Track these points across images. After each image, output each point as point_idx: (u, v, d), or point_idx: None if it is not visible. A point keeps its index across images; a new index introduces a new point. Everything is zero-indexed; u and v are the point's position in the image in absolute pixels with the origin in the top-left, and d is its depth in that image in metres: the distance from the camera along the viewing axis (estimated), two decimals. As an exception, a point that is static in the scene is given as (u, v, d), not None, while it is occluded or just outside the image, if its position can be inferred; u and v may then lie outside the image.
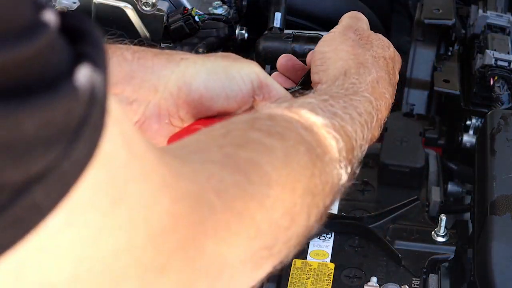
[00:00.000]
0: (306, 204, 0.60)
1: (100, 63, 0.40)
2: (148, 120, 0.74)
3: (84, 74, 0.38)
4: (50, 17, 0.38)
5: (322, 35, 1.11)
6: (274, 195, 0.56)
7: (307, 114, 0.63)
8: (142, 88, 0.73)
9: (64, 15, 0.39)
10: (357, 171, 0.69)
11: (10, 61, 0.36)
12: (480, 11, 1.21)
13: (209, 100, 0.73)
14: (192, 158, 0.53)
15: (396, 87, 0.81)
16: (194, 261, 0.49)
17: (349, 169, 0.65)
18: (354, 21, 0.84)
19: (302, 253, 0.97)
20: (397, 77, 0.82)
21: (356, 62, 0.76)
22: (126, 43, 0.75)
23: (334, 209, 1.02)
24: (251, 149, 0.57)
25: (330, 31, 0.82)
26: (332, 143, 0.63)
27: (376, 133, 0.73)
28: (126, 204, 0.42)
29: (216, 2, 1.23)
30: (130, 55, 0.74)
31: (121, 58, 0.74)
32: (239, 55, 0.76)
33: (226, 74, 0.73)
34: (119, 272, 0.43)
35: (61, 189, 0.38)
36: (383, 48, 0.81)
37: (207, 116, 0.74)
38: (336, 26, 0.83)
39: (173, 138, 0.73)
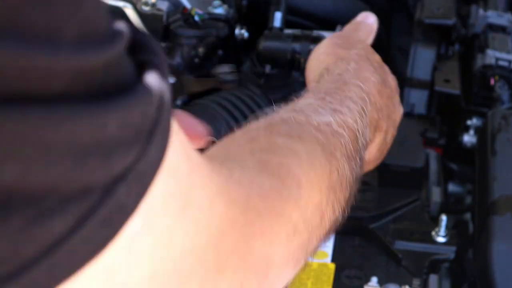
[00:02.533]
0: (330, 201, 0.64)
1: (163, 71, 0.42)
2: None
3: (153, 79, 0.41)
4: (122, 26, 0.41)
5: (323, 35, 1.11)
6: (305, 196, 0.60)
7: (313, 115, 0.66)
8: None
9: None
10: (366, 157, 0.75)
11: (96, 65, 0.38)
12: (481, 10, 1.21)
13: None
14: (232, 165, 0.56)
15: (387, 84, 0.84)
16: (246, 261, 0.53)
17: (358, 159, 0.69)
18: (351, 30, 0.90)
19: (302, 253, 0.97)
20: (386, 70, 0.86)
21: (335, 57, 0.81)
22: None
23: (334, 209, 1.02)
24: (280, 154, 0.61)
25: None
26: (339, 139, 0.67)
27: (375, 115, 0.78)
28: (191, 209, 0.46)
29: (216, 2, 1.23)
30: None
31: None
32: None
33: None
34: (186, 272, 0.47)
35: (140, 190, 0.41)
36: (366, 50, 0.84)
37: None
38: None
39: None
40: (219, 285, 0.51)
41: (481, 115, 1.11)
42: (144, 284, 0.44)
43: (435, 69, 1.17)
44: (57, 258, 0.38)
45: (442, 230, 0.97)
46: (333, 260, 0.96)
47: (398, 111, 0.89)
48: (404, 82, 1.18)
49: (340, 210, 0.68)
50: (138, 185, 0.40)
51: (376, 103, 0.79)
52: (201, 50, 1.16)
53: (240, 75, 1.15)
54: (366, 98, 0.75)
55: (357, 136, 0.70)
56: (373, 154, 0.87)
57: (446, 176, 1.10)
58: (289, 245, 0.59)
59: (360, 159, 0.70)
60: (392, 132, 0.89)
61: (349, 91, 0.74)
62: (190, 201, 0.45)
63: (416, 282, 0.93)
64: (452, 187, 1.12)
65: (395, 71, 1.24)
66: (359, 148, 0.70)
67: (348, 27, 0.93)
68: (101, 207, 0.39)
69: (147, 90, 0.40)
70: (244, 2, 1.28)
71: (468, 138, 1.12)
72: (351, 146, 0.68)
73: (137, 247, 0.42)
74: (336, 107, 0.70)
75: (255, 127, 0.64)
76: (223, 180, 0.51)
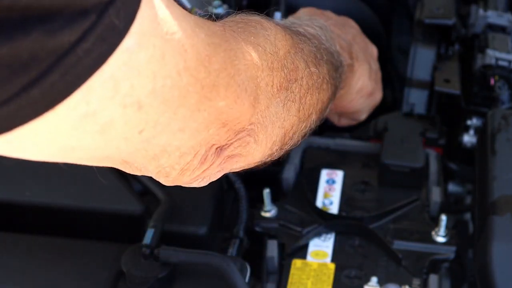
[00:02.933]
0: (298, 50, 0.76)
1: None
2: None
3: None
4: None
5: None
6: (272, 33, 0.72)
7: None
8: None
9: None
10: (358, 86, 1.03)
11: None
12: (481, 10, 1.21)
13: None
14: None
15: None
16: (235, 79, 0.62)
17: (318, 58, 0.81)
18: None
19: (302, 253, 0.97)
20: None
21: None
22: None
23: (334, 209, 1.02)
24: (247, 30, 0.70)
25: None
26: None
27: (343, 43, 0.97)
28: (177, 33, 0.55)
29: (216, 2, 1.23)
30: None
31: None
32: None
33: None
34: (184, 88, 0.56)
35: (127, 14, 0.50)
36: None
37: None
38: None
39: None
40: (215, 101, 0.60)
41: (481, 115, 1.11)
42: (148, 98, 0.54)
43: (435, 69, 1.17)
44: (68, 65, 0.48)
45: (442, 230, 0.97)
46: (333, 260, 0.96)
47: (371, 46, 1.09)
48: (404, 82, 1.18)
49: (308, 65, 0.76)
50: (125, 10, 0.50)
51: (340, 35, 0.97)
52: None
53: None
54: (327, 27, 0.91)
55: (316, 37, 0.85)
56: (367, 83, 1.05)
57: (446, 176, 1.10)
58: (272, 74, 0.68)
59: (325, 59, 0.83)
60: (375, 64, 1.09)
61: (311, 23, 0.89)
62: (174, 27, 0.55)
63: (416, 282, 0.93)
64: (452, 187, 1.12)
65: (395, 71, 1.25)
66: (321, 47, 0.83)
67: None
68: (97, 25, 0.48)
69: None
70: (244, 2, 1.28)
71: (468, 138, 1.12)
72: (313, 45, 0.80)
73: (134, 62, 0.51)
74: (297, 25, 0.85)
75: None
76: (200, 20, 0.61)
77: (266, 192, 1.01)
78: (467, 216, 1.06)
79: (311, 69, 0.76)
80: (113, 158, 0.60)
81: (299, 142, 0.79)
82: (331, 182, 1.06)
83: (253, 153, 0.69)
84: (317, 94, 0.78)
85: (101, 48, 0.49)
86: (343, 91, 0.99)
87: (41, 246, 0.91)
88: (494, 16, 1.20)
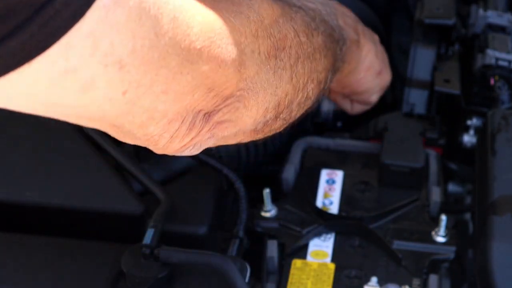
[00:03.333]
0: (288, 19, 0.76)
1: None
2: None
3: None
4: None
5: None
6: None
7: None
8: None
9: None
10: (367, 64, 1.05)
11: None
12: (481, 10, 1.21)
13: None
14: None
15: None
16: (216, 41, 0.62)
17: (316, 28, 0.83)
18: None
19: (302, 253, 0.97)
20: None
21: None
22: None
23: (334, 209, 1.02)
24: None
25: None
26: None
27: (348, 20, 0.99)
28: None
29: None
30: None
31: None
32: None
33: None
34: (163, 50, 0.57)
35: None
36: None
37: None
38: None
39: None
40: (197, 64, 0.60)
41: (481, 115, 1.11)
42: (129, 57, 0.54)
43: (435, 69, 1.17)
44: (46, 16, 0.49)
45: (442, 230, 0.97)
46: (333, 260, 0.96)
47: (371, 32, 1.10)
48: (404, 82, 1.18)
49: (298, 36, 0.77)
50: None
51: (345, 13, 0.98)
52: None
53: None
54: (330, 4, 0.93)
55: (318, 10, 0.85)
56: (374, 60, 1.07)
57: (446, 176, 1.10)
58: (257, 41, 0.68)
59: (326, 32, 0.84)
60: (380, 46, 1.10)
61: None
62: None
63: (416, 282, 0.93)
64: (452, 187, 1.12)
65: (395, 71, 1.25)
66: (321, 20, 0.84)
67: None
68: None
69: None
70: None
71: (468, 138, 1.12)
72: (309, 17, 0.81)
73: (112, 19, 0.52)
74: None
75: None
76: None
77: (266, 192, 1.01)
78: (467, 216, 1.06)
79: (301, 38, 0.76)
80: (100, 120, 0.61)
81: (301, 114, 0.79)
82: (331, 182, 1.06)
83: (244, 119, 0.70)
84: (309, 64, 0.78)
85: (78, 1, 0.50)
86: (350, 67, 1.01)
87: (41, 246, 0.91)
88: (494, 16, 1.20)
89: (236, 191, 0.99)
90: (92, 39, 0.52)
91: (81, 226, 0.95)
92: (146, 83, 0.57)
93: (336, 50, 0.89)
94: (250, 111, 0.70)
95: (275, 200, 1.02)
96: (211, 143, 0.70)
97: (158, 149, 0.67)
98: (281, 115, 0.76)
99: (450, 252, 0.96)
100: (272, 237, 0.98)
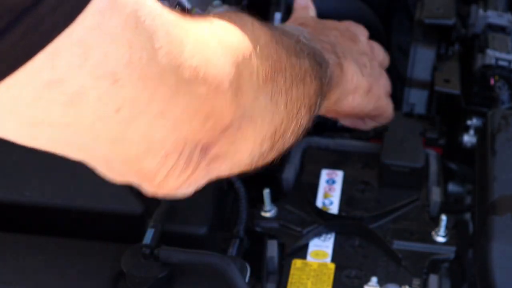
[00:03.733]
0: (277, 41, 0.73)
1: None
2: None
3: None
4: None
5: None
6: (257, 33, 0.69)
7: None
8: None
9: None
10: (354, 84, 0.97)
11: None
12: (481, 10, 1.21)
13: None
14: None
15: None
16: (211, 61, 0.58)
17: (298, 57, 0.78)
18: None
19: (302, 253, 0.97)
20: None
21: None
22: None
23: (334, 209, 1.02)
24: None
25: None
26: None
27: (325, 44, 0.93)
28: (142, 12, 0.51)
29: (216, 2, 1.23)
30: None
31: None
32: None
33: None
34: (161, 64, 0.52)
35: None
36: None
37: None
38: None
39: None
40: (194, 85, 0.56)
41: (481, 115, 1.11)
42: (125, 70, 0.50)
43: (435, 69, 1.17)
44: (31, 22, 0.45)
45: (442, 230, 0.97)
46: (333, 260, 0.96)
47: (360, 43, 1.04)
48: (404, 82, 1.18)
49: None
50: None
51: (320, 38, 0.93)
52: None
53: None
54: (304, 31, 0.89)
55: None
56: (360, 79, 0.98)
57: (446, 176, 1.10)
58: (253, 62, 0.64)
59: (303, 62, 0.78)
60: (370, 63, 1.03)
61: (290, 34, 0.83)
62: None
63: (416, 282, 0.93)
64: (452, 187, 1.12)
65: (395, 71, 1.25)
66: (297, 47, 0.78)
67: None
68: None
69: None
70: (245, 2, 1.28)
71: (468, 138, 1.12)
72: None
73: (107, 25, 0.48)
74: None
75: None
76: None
77: (266, 192, 1.01)
78: (467, 216, 1.06)
79: (292, 60, 0.72)
80: (91, 150, 0.56)
81: (292, 143, 0.75)
82: (331, 182, 1.06)
83: (241, 151, 0.66)
84: (302, 87, 0.74)
85: (68, 4, 0.46)
86: (338, 91, 0.96)
87: (41, 246, 0.91)
88: (494, 16, 1.20)
89: (236, 191, 0.99)
90: (83, 48, 0.47)
91: (81, 226, 0.95)
92: (143, 102, 0.52)
93: (321, 73, 0.85)
94: (247, 142, 0.66)
95: (275, 200, 1.02)
96: (204, 181, 0.65)
97: (151, 187, 0.62)
98: (275, 146, 0.71)
99: (450, 252, 0.96)
100: (272, 237, 0.98)
